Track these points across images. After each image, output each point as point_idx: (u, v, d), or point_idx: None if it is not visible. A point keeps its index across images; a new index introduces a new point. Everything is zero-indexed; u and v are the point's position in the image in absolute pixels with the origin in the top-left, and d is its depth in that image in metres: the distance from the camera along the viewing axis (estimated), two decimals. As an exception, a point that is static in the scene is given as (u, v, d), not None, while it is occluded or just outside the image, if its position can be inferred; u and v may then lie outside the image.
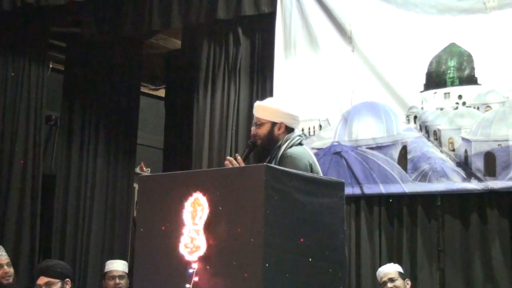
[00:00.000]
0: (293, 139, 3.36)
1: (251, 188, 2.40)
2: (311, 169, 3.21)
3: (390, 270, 4.51)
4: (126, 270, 5.28)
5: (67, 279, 4.08)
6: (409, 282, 4.52)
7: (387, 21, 5.01)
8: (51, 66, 6.76)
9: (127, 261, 5.63)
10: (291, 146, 3.31)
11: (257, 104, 3.47)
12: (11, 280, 4.74)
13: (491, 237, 4.53)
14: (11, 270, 4.77)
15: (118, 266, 5.27)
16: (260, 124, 3.37)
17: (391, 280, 4.43)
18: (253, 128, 3.40)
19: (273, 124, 3.37)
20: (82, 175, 6.54)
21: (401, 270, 4.54)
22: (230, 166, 3.24)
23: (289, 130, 3.39)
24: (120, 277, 5.16)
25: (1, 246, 4.93)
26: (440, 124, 4.72)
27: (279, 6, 5.48)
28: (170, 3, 5.84)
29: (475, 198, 4.62)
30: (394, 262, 4.68)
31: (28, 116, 6.11)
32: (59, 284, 4.02)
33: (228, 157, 3.33)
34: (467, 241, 4.63)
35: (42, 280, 3.99)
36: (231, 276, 2.39)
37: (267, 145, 3.34)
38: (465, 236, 4.64)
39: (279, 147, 3.32)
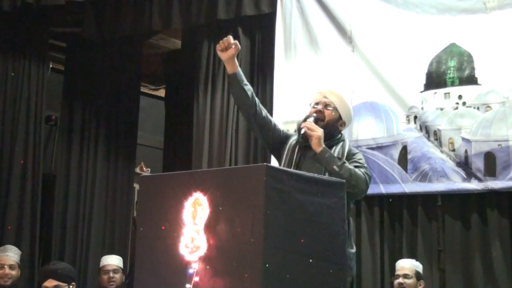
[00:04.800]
0: None
1: (251, 188, 2.40)
2: None
3: (407, 265, 4.42)
4: (121, 265, 5.29)
5: (73, 283, 4.10)
6: (422, 284, 4.40)
7: (387, 21, 5.02)
8: (51, 66, 6.75)
9: (127, 260, 5.63)
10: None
11: (334, 91, 3.47)
12: (9, 282, 4.71)
13: (491, 237, 4.53)
14: (12, 272, 4.72)
15: (112, 260, 5.28)
16: (331, 108, 3.36)
17: (405, 276, 4.35)
18: (321, 106, 3.36)
19: (340, 117, 3.39)
20: (82, 175, 6.54)
21: (420, 270, 4.42)
22: (310, 127, 3.24)
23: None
24: (114, 271, 5.17)
25: (14, 247, 4.90)
26: (440, 124, 4.72)
27: (279, 6, 5.48)
28: (170, 3, 5.84)
29: (475, 198, 4.62)
30: (394, 262, 4.67)
31: (28, 116, 6.10)
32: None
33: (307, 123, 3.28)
34: (467, 241, 4.63)
35: (50, 282, 4.01)
36: (231, 276, 2.39)
37: (327, 129, 3.30)
38: (466, 236, 4.64)
39: (344, 140, 3.37)
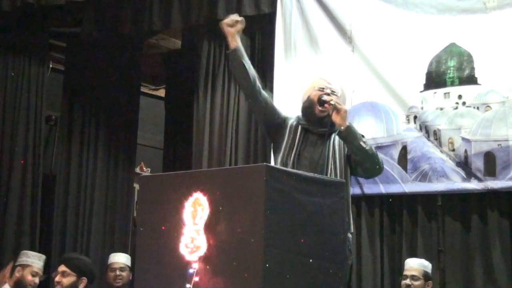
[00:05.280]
0: None
1: (251, 188, 2.40)
2: None
3: (416, 266, 4.32)
4: (129, 263, 5.29)
5: (84, 278, 4.09)
6: (430, 285, 4.33)
7: (387, 21, 5.01)
8: (51, 66, 6.76)
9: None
10: None
11: (336, 80, 3.48)
12: None
13: (491, 237, 4.53)
14: (36, 281, 4.71)
15: (119, 258, 5.30)
16: (336, 97, 3.35)
17: (413, 277, 4.26)
18: (330, 93, 3.33)
19: None
20: (82, 175, 6.54)
21: (428, 270, 4.35)
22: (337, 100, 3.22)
23: None
24: (121, 269, 5.20)
25: (43, 256, 4.88)
26: (440, 124, 4.72)
27: (279, 6, 5.48)
28: (170, 3, 5.85)
29: (475, 198, 4.62)
30: (394, 262, 4.66)
31: (28, 116, 6.11)
32: (74, 278, 4.06)
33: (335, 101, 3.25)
34: (467, 241, 4.63)
35: (60, 267, 4.13)
36: (231, 276, 2.39)
37: (329, 117, 3.28)
38: (465, 236, 4.64)
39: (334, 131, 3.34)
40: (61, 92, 6.76)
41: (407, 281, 4.28)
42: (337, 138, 3.31)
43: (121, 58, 6.81)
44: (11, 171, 5.96)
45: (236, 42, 3.29)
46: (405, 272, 4.36)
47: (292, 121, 3.38)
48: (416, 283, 4.27)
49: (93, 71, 6.72)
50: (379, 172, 3.35)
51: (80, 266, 4.11)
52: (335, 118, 3.18)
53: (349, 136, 3.17)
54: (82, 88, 6.70)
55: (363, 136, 3.24)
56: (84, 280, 4.09)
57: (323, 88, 3.36)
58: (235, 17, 3.28)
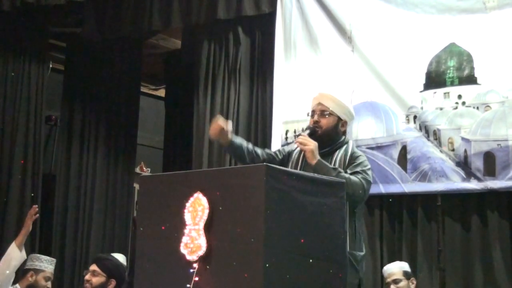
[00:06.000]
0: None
1: (251, 188, 2.40)
2: None
3: (395, 270, 4.36)
4: (125, 263, 5.30)
5: (113, 279, 4.11)
6: (414, 282, 4.36)
7: (387, 21, 5.02)
8: (51, 66, 6.76)
9: (127, 260, 5.63)
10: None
11: (326, 94, 3.46)
12: None
13: (491, 237, 4.53)
14: (49, 286, 4.69)
15: (119, 258, 5.30)
16: (327, 115, 3.36)
17: (395, 281, 4.28)
18: (316, 115, 3.37)
19: (339, 119, 3.39)
20: (82, 175, 6.55)
21: (407, 268, 4.40)
22: (302, 141, 3.25)
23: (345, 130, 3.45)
24: None
25: (54, 259, 4.87)
26: (439, 124, 4.72)
27: (279, 6, 5.49)
28: (170, 3, 5.85)
29: (475, 198, 4.62)
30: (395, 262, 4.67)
31: (28, 116, 6.11)
32: (103, 279, 4.09)
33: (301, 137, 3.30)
34: (467, 241, 4.63)
35: (92, 266, 4.19)
36: (231, 276, 2.39)
37: (327, 137, 3.33)
38: (465, 236, 4.64)
39: (347, 143, 3.38)
40: (61, 92, 6.76)
41: (392, 287, 4.30)
42: (338, 157, 3.33)
43: (121, 58, 6.81)
44: (11, 171, 5.96)
45: (226, 141, 3.34)
46: (387, 280, 4.38)
47: (296, 150, 3.40)
48: (400, 284, 4.30)
49: (93, 71, 6.72)
50: (356, 202, 3.32)
51: (110, 267, 4.15)
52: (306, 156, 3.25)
53: (318, 173, 3.20)
54: (82, 88, 6.70)
55: (335, 169, 3.22)
56: (113, 282, 4.12)
57: (314, 111, 3.39)
58: (221, 124, 3.28)
